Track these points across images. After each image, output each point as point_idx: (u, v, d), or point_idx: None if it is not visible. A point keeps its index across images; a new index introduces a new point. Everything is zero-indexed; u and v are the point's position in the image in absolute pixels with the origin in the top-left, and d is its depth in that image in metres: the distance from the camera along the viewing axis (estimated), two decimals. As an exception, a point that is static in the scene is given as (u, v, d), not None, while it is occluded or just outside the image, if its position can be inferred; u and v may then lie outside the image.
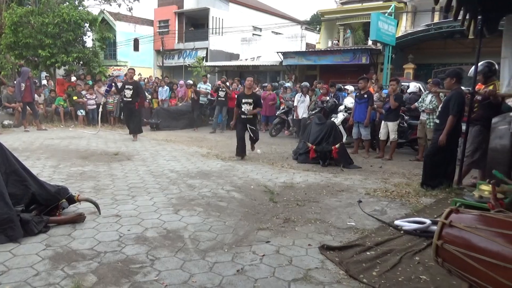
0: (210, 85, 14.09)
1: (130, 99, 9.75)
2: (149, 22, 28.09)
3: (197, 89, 13.42)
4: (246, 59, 23.02)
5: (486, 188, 3.98)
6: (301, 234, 3.70)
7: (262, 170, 6.60)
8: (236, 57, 24.90)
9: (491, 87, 5.36)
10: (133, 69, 10.68)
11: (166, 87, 14.28)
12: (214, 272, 2.88)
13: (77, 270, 2.85)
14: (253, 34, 26.61)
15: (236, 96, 8.13)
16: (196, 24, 27.45)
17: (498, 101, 5.39)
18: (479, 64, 5.39)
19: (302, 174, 6.44)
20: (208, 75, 16.22)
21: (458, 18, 4.68)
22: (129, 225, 3.80)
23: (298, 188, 5.49)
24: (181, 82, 14.81)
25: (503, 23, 5.47)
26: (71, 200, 4.03)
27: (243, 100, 7.47)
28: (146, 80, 16.87)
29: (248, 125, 7.57)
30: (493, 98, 5.27)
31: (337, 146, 7.04)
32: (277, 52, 18.71)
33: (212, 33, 25.04)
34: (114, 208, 4.29)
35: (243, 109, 7.49)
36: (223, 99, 12.26)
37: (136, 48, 24.44)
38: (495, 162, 5.02)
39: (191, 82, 14.12)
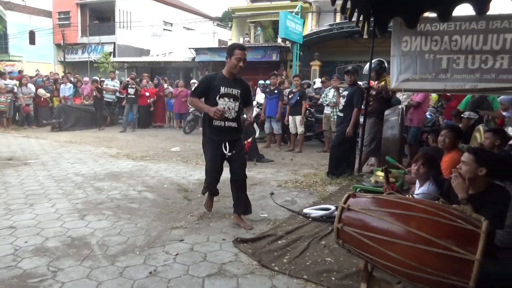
0: (118, 81, 13.38)
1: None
2: (47, 13, 25.65)
3: (105, 86, 12.67)
4: (157, 55, 22.31)
5: (380, 174, 4.40)
6: (215, 230, 3.73)
7: (176, 168, 6.48)
8: (146, 52, 24.00)
9: (382, 83, 5.95)
10: None
11: (69, 85, 13.17)
12: (124, 277, 2.76)
13: (-38, 292, 2.52)
14: (164, 29, 25.90)
15: (202, 81, 3.93)
16: (102, 17, 25.81)
17: (389, 95, 6.00)
18: (372, 61, 5.93)
19: (217, 170, 6.46)
20: (117, 72, 15.40)
21: (353, 19, 5.09)
22: (27, 236, 3.46)
23: (213, 184, 5.50)
24: (86, 79, 13.82)
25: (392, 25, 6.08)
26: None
27: (223, 90, 3.69)
28: (46, 77, 15.37)
29: (227, 143, 3.81)
30: (385, 92, 5.86)
31: (249, 140, 7.20)
32: (189, 48, 18.46)
33: (120, 27, 23.75)
34: (7, 219, 3.86)
35: (220, 107, 3.64)
36: (133, 96, 11.74)
37: (32, 41, 22.13)
38: (388, 150, 5.59)
39: (96, 78, 13.23)
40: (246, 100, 3.98)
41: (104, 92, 12.49)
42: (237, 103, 3.82)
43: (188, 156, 7.67)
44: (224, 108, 3.69)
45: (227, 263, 3.01)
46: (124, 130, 11.62)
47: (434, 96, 8.31)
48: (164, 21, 25.82)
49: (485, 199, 2.70)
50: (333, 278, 2.76)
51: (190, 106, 11.97)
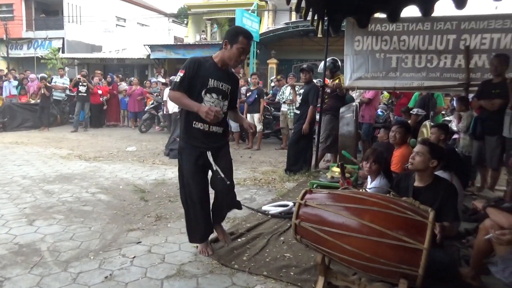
0: (68, 79, 12.77)
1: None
2: (-14, 6, 23.92)
3: (53, 83, 12.04)
4: (110, 51, 21.50)
5: (336, 169, 4.54)
6: (174, 230, 3.67)
7: (131, 169, 6.30)
8: (98, 49, 23.06)
9: (336, 81, 6.12)
10: None
11: (13, 82, 12.36)
12: (78, 283, 2.65)
13: None
14: (117, 24, 25.02)
15: (189, 66, 2.84)
16: (48, 10, 24.43)
17: (343, 93, 6.19)
18: (327, 60, 6.09)
19: (175, 169, 6.32)
20: (66, 68, 14.68)
21: (308, 18, 5.19)
22: (-32, 245, 3.22)
23: (171, 184, 5.41)
24: (32, 75, 13.03)
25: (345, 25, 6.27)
26: None
27: (212, 83, 2.89)
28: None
29: (211, 156, 2.97)
30: (339, 90, 6.03)
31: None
32: (144, 45, 17.97)
33: (69, 22, 22.63)
34: None
35: (215, 107, 2.80)
36: (85, 94, 11.24)
37: (-30, 35, 20.55)
38: (345, 146, 5.78)
39: (44, 76, 12.53)
40: (233, 100, 3.15)
41: (53, 90, 11.86)
42: (226, 103, 3.01)
43: (145, 156, 7.49)
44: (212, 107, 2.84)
45: (186, 264, 2.97)
46: (76, 130, 11.12)
47: (385, 94, 8.67)
48: (117, 16, 24.95)
49: (434, 192, 2.86)
50: (292, 273, 2.80)
51: (147, 106, 11.72)
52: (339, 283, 2.49)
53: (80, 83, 11.24)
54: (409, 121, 6.01)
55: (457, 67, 5.37)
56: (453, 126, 6.72)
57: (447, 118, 7.77)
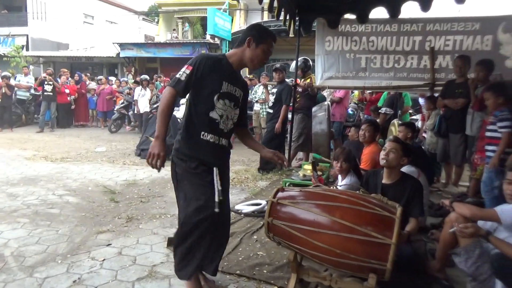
0: (32, 77, 12.29)
1: None
2: None
3: (16, 82, 11.56)
4: (77, 50, 20.85)
5: (308, 167, 4.60)
6: (145, 231, 3.61)
7: (101, 170, 6.14)
8: (65, 46, 22.30)
9: (308, 80, 6.20)
10: None
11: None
12: (45, 288, 2.56)
13: None
14: (85, 22, 24.31)
15: (200, 61, 2.32)
16: (11, 6, 23.39)
17: (315, 92, 6.27)
18: (298, 60, 6.15)
19: (146, 169, 6.25)
20: (31, 67, 14.13)
21: (280, 18, 5.23)
22: None
23: (142, 184, 5.32)
24: (-7, 74, 12.46)
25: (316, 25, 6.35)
26: None
27: (225, 87, 2.36)
28: None
29: (217, 175, 2.39)
30: (311, 89, 6.11)
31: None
32: (114, 43, 17.55)
33: (33, 18, 21.76)
34: None
35: (215, 118, 2.36)
36: (51, 93, 10.87)
37: None
38: (318, 144, 5.87)
39: (7, 74, 12.00)
40: (244, 110, 2.61)
41: (16, 89, 11.38)
42: (237, 112, 2.49)
43: (115, 156, 7.32)
44: (222, 116, 2.36)
45: (158, 265, 2.93)
46: (42, 130, 10.72)
47: (356, 93, 8.86)
48: (84, 14, 24.22)
49: (401, 188, 2.96)
50: (265, 271, 2.82)
51: (117, 105, 11.44)
52: (311, 280, 2.52)
53: (46, 82, 10.85)
54: (378, 120, 6.17)
55: (423, 67, 5.56)
56: (420, 124, 6.96)
57: (414, 117, 8.03)
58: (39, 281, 2.65)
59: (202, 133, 2.35)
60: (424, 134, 6.12)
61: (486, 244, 2.47)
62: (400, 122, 5.71)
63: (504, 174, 3.49)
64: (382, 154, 3.01)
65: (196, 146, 2.36)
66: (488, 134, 3.83)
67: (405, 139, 4.57)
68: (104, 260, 2.98)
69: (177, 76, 2.31)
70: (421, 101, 6.92)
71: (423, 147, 5.47)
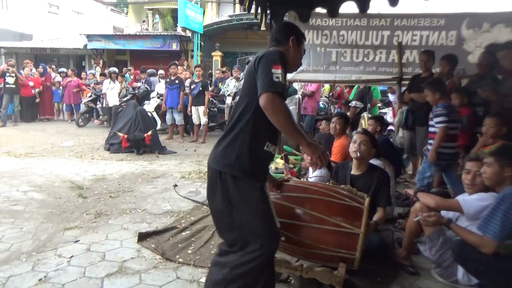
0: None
1: None
2: None
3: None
4: (42, 40, 20.00)
5: (280, 161, 4.63)
6: (115, 227, 3.54)
7: (68, 165, 5.95)
8: (28, 37, 21.30)
9: (280, 74, 6.21)
10: None
11: None
12: (8, 288, 2.47)
13: None
14: (49, 12, 23.32)
15: (281, 67, 1.81)
16: (-32, -6, 22.13)
17: (287, 85, 6.30)
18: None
19: (116, 164, 6.12)
20: (-9, 58, 13.42)
21: (252, 11, 5.20)
22: None
23: (111, 179, 5.20)
24: (-50, 65, 11.81)
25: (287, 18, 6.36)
26: None
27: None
28: None
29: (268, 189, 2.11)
30: (283, 83, 6.13)
31: (149, 133, 6.93)
32: (81, 34, 16.95)
33: (-7, 7, 20.69)
34: None
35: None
36: (13, 86, 10.41)
37: None
38: (287, 138, 5.90)
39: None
40: None
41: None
42: None
43: (83, 151, 7.11)
44: None
45: (128, 260, 2.88)
46: (4, 125, 10.25)
47: (326, 87, 8.97)
48: (49, 3, 23.21)
49: (369, 179, 3.03)
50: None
51: (85, 98, 11.07)
52: (282, 271, 2.55)
53: (8, 74, 10.36)
54: (348, 113, 6.29)
55: (391, 61, 5.68)
56: (388, 118, 7.15)
57: (383, 110, 8.23)
58: (3, 280, 2.55)
59: (267, 143, 1.99)
60: (393, 128, 6.29)
61: (449, 233, 2.59)
62: (369, 115, 5.83)
63: (436, 167, 3.75)
64: (354, 146, 3.07)
65: (259, 160, 1.99)
66: (430, 129, 3.97)
67: (374, 132, 4.68)
68: (71, 257, 2.90)
69: (273, 79, 1.77)
70: (391, 97, 7.08)
71: (391, 140, 5.62)
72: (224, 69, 11.62)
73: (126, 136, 6.90)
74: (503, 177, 2.31)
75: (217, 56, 16.67)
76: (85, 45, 17.13)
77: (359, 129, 4.65)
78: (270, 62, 1.83)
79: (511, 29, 4.98)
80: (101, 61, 16.66)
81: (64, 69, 12.76)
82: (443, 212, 2.79)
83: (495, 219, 2.18)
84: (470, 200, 2.58)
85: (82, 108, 10.91)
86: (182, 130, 8.90)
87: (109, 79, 10.12)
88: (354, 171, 3.12)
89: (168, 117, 8.75)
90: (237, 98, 2.00)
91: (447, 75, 4.61)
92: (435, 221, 2.50)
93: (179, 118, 8.63)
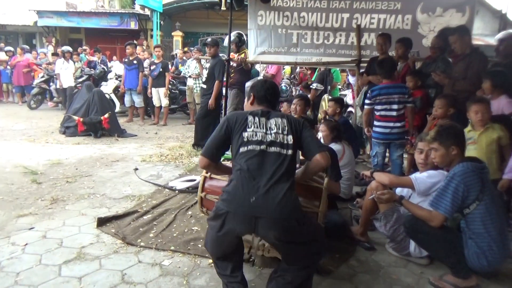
0: None
1: None
2: None
3: None
4: (-15, 16, 18.56)
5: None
6: (72, 213, 3.43)
7: (20, 149, 5.66)
8: (-30, 12, 19.72)
9: (242, 55, 6.17)
10: None
11: None
12: (-43, 279, 2.35)
13: None
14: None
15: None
16: None
17: (249, 67, 6.28)
18: (232, 34, 6.07)
19: (72, 148, 5.89)
20: None
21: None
22: None
23: (68, 164, 5.00)
24: None
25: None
26: None
27: None
28: None
29: None
30: (244, 64, 6.10)
31: (106, 116, 6.69)
32: (30, 10, 15.89)
33: None
34: None
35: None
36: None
37: None
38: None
39: None
40: None
41: None
42: None
43: (36, 135, 6.77)
44: None
45: (87, 246, 2.82)
46: None
47: (287, 69, 9.01)
48: (-8, -25, 21.47)
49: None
50: (200, 245, 2.83)
51: (36, 79, 10.48)
52: (245, 251, 2.59)
53: None
54: (309, 95, 6.37)
55: (350, 44, 5.78)
56: (348, 100, 7.31)
57: (342, 93, 8.40)
58: (-50, 272, 2.42)
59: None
60: (352, 109, 6.45)
61: (402, 210, 2.73)
62: (330, 97, 5.94)
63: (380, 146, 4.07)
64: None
65: None
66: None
67: (333, 114, 4.80)
68: (26, 244, 2.80)
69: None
70: (351, 79, 7.22)
71: (350, 121, 5.77)
72: (186, 49, 11.36)
73: (81, 119, 6.63)
74: (451, 157, 2.44)
75: (177, 36, 16.27)
76: (35, 22, 16.11)
77: (320, 116, 4.74)
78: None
79: (462, 13, 5.19)
80: (53, 40, 15.75)
81: (10, 48, 11.92)
82: (398, 190, 2.94)
83: (446, 195, 2.31)
84: (420, 178, 2.73)
85: (34, 89, 10.30)
86: (142, 112, 8.67)
87: (62, 59, 9.61)
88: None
89: (127, 99, 8.46)
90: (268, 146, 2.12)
91: (402, 57, 4.76)
92: (388, 198, 2.63)
93: (138, 100, 8.37)
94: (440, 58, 4.42)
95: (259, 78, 6.35)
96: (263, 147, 2.08)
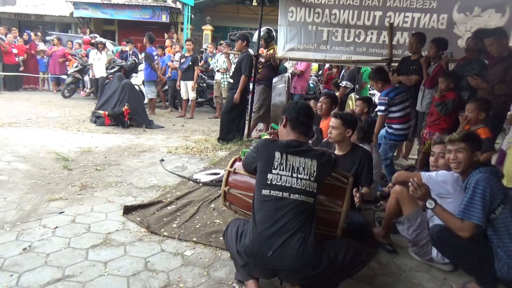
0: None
1: None
2: None
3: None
4: (26, 6, 19.29)
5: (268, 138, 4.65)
6: (100, 199, 3.55)
7: (53, 136, 5.88)
8: (11, 2, 20.53)
9: (271, 51, 6.16)
10: None
11: None
12: (-8, 256, 2.48)
13: None
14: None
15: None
16: None
17: (277, 63, 6.27)
18: (261, 30, 6.07)
19: (102, 137, 6.07)
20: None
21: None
22: None
23: (97, 152, 5.17)
24: None
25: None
26: None
27: None
28: None
29: None
30: (273, 60, 6.09)
31: (126, 107, 6.81)
32: (67, 1, 16.40)
33: (-27, -32, 19.77)
34: None
35: None
36: (-4, 53, 10.11)
37: None
38: (277, 116, 5.90)
39: None
40: None
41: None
42: None
43: (68, 123, 7.01)
44: None
45: (113, 233, 2.91)
46: (-14, 93, 10.03)
47: (315, 66, 8.92)
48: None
49: (352, 159, 3.09)
50: (221, 238, 2.86)
51: (71, 68, 10.84)
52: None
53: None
54: (337, 94, 6.30)
55: (382, 43, 5.67)
56: (376, 100, 7.18)
57: (371, 92, 8.25)
58: (-14, 249, 2.56)
59: None
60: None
61: (429, 214, 2.66)
62: (357, 96, 5.85)
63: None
64: (328, 131, 3.16)
65: None
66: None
67: (361, 113, 4.72)
68: (56, 227, 2.92)
69: None
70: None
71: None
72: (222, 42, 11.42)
73: (107, 113, 6.82)
74: (472, 162, 2.36)
75: (207, 30, 16.40)
76: (71, 13, 16.62)
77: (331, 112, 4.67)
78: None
79: (501, 14, 4.99)
80: (88, 30, 16.21)
81: (52, 37, 12.35)
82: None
83: (475, 203, 2.21)
84: (430, 174, 2.65)
85: (68, 78, 10.67)
86: (153, 104, 8.74)
87: (96, 50, 9.88)
88: (337, 151, 3.17)
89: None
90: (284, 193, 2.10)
91: (434, 58, 4.63)
92: (423, 194, 2.37)
93: (150, 91, 8.60)
94: (475, 60, 4.28)
95: (286, 74, 6.34)
96: (285, 194, 2.05)
